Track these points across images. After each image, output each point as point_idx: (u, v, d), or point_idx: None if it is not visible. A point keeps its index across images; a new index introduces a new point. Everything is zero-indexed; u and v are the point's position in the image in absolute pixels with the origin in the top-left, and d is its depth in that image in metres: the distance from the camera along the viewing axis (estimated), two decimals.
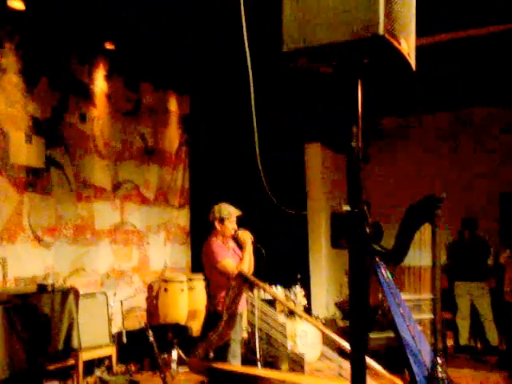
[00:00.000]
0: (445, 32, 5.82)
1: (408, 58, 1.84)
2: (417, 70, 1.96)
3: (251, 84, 1.93)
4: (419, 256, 6.16)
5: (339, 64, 1.84)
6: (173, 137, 8.64)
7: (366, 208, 1.88)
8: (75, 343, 4.62)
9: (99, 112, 7.18)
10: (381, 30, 1.64)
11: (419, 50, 2.00)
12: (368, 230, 1.90)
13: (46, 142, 6.33)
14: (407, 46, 1.83)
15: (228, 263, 4.49)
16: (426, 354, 5.85)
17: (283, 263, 8.41)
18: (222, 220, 4.62)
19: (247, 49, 1.90)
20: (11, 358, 3.60)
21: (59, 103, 6.54)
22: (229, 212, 4.63)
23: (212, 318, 4.49)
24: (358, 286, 1.91)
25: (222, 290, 4.45)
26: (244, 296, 4.73)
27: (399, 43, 1.75)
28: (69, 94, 6.70)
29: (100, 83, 7.21)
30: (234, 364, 4.40)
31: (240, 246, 4.67)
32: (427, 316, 6.44)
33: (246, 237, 4.61)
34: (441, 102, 8.74)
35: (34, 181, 6.15)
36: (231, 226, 4.64)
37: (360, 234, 1.87)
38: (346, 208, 1.87)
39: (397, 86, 6.52)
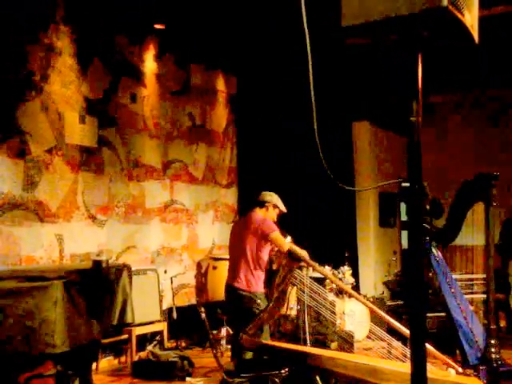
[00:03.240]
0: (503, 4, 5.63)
1: (471, 30, 1.79)
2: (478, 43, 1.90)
3: (309, 62, 1.90)
4: (471, 235, 6.04)
5: (399, 38, 1.80)
6: (221, 116, 8.67)
7: (426, 185, 1.85)
8: (129, 318, 4.72)
9: (149, 92, 7.27)
10: (444, 2, 1.59)
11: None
12: (427, 208, 1.87)
13: (99, 122, 6.46)
14: (470, 17, 1.77)
15: (280, 235, 4.86)
16: (478, 335, 5.74)
17: (331, 242, 8.39)
18: (275, 206, 5.14)
19: (306, 28, 1.86)
20: (71, 332, 3.73)
21: (110, 84, 6.66)
22: (281, 204, 5.18)
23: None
24: (416, 265, 1.88)
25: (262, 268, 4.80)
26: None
27: (463, 15, 1.70)
28: (120, 74, 6.80)
29: (150, 63, 7.29)
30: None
31: None
32: (479, 296, 6.33)
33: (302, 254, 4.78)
34: (493, 78, 8.49)
35: (87, 160, 6.30)
36: (275, 215, 5.16)
37: (419, 212, 1.84)
38: (406, 185, 1.84)
39: (449, 61, 6.35)
